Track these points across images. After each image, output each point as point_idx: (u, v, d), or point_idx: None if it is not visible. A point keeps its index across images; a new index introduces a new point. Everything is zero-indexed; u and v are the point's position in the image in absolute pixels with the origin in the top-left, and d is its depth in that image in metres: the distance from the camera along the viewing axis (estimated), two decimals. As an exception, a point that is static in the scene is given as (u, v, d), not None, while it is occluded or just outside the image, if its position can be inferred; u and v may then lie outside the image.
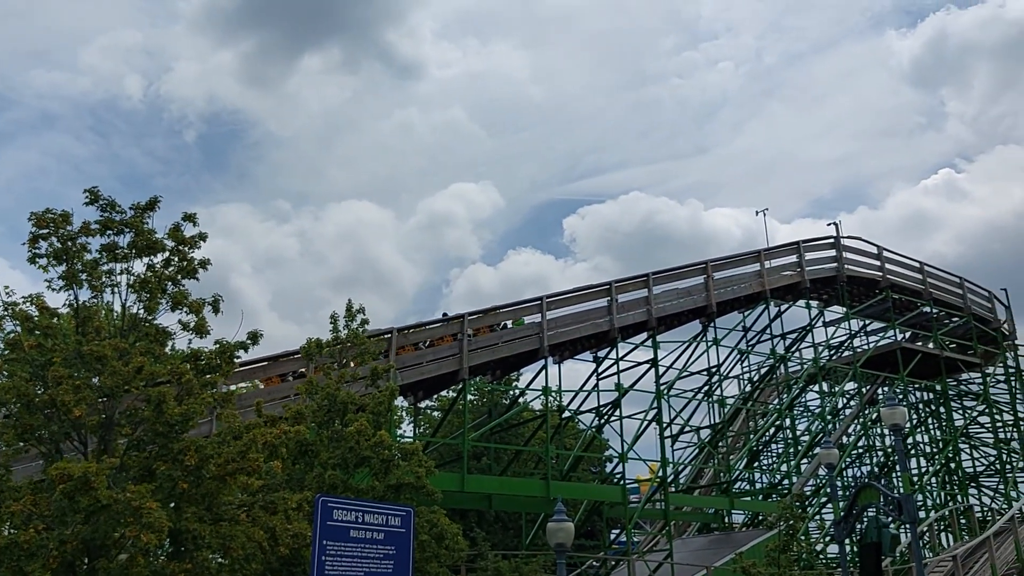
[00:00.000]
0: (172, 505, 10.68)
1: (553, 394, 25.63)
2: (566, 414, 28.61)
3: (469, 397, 26.99)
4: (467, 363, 22.49)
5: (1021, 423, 36.57)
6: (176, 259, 12.35)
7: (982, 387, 37.05)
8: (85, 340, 11.30)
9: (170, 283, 12.22)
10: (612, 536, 31.09)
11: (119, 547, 9.99)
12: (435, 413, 35.92)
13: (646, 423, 26.87)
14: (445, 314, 24.49)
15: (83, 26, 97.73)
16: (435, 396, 30.10)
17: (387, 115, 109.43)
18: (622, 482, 27.70)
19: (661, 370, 26.99)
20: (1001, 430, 36.92)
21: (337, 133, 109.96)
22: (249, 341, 12.29)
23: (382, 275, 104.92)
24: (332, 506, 8.50)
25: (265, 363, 18.92)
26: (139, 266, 12.32)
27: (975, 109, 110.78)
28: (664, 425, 26.89)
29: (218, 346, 12.05)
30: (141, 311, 12.13)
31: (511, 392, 31.66)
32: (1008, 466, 36.45)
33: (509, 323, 24.90)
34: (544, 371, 24.70)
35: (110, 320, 12.56)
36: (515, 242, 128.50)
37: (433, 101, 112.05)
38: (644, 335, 26.99)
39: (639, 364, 27.23)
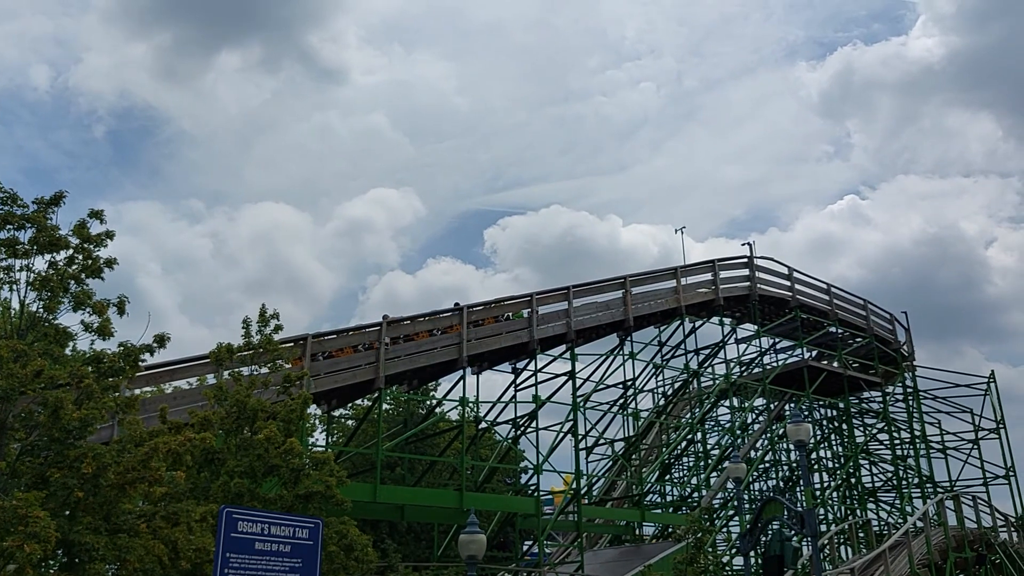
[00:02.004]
0: (67, 514, 10.22)
1: (470, 405, 25.58)
2: (483, 425, 28.56)
3: (385, 406, 26.69)
4: (383, 372, 22.22)
5: (917, 441, 38.21)
6: (80, 257, 11.89)
7: (882, 405, 38.64)
8: (-23, 339, 10.75)
9: (73, 282, 11.75)
10: (525, 548, 31.14)
11: (6, 557, 9.49)
12: (349, 422, 35.41)
13: (562, 435, 27.08)
14: (457, 304, 24.88)
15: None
16: (350, 405, 29.69)
17: (307, 117, 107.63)
18: (536, 494, 27.78)
19: (578, 382, 27.24)
20: (898, 447, 38.52)
21: (255, 133, 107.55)
22: (155, 344, 11.90)
23: (297, 280, 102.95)
24: (237, 517, 8.25)
25: (172, 367, 18.32)
26: (40, 263, 11.84)
27: (878, 142, 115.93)
28: (579, 437, 27.11)
29: (122, 349, 11.61)
30: (41, 310, 11.62)
31: (428, 402, 31.45)
32: (904, 482, 38.03)
33: (510, 315, 25.57)
34: (462, 381, 24.66)
35: (7, 319, 12.00)
36: (435, 251, 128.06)
37: (355, 106, 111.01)
38: (563, 347, 27.20)
39: (557, 376, 27.43)
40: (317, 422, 31.59)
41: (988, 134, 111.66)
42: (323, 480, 13.08)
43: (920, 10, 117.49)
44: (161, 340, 12.03)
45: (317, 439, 31.68)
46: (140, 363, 11.95)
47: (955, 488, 37.13)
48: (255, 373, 14.82)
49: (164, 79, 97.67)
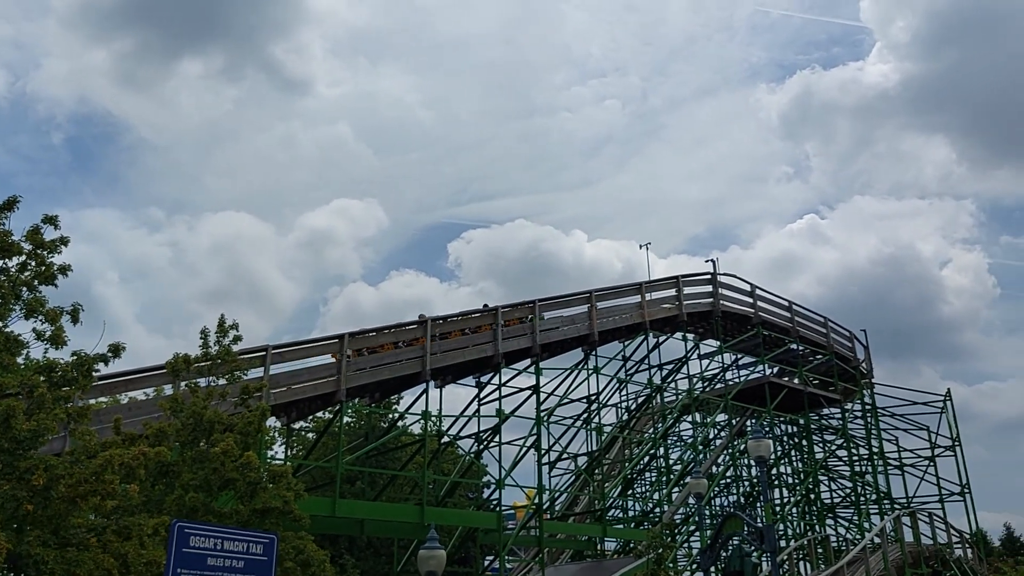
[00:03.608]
0: (14, 527, 9.93)
1: (433, 419, 25.38)
2: (445, 439, 28.37)
3: (347, 419, 26.40)
4: (345, 384, 21.99)
5: (875, 457, 38.70)
6: (33, 263, 11.61)
7: (841, 422, 39.10)
8: (-77, 347, 10.44)
9: (25, 289, 11.47)
10: (486, 563, 30.92)
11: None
12: (310, 435, 34.99)
13: (525, 449, 26.97)
14: (486, 305, 24.94)
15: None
16: (311, 417, 29.33)
17: (269, 127, 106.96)
18: (498, 508, 27.62)
19: (542, 396, 27.16)
20: (857, 463, 38.95)
21: (216, 142, 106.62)
22: (110, 354, 11.65)
23: (258, 290, 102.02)
24: (189, 532, 8.07)
25: (127, 378, 17.95)
26: (-9, 269, 11.52)
27: (835, 164, 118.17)
28: (543, 452, 27.03)
29: (75, 358, 11.35)
30: (-9, 318, 11.32)
31: (390, 415, 31.19)
32: (862, 498, 38.45)
33: (547, 315, 26.59)
34: (425, 395, 24.47)
35: (-45, 326, 11.65)
36: (399, 263, 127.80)
37: (319, 116, 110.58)
38: (527, 361, 27.14)
39: (521, 390, 27.35)
40: (276, 435, 31.18)
41: (942, 158, 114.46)
42: (280, 495, 12.85)
43: (876, 36, 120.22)
44: (116, 350, 11.78)
45: (276, 452, 31.27)
46: (94, 373, 11.69)
47: (912, 505, 37.63)
48: (212, 384, 14.57)
49: (124, 86, 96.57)
